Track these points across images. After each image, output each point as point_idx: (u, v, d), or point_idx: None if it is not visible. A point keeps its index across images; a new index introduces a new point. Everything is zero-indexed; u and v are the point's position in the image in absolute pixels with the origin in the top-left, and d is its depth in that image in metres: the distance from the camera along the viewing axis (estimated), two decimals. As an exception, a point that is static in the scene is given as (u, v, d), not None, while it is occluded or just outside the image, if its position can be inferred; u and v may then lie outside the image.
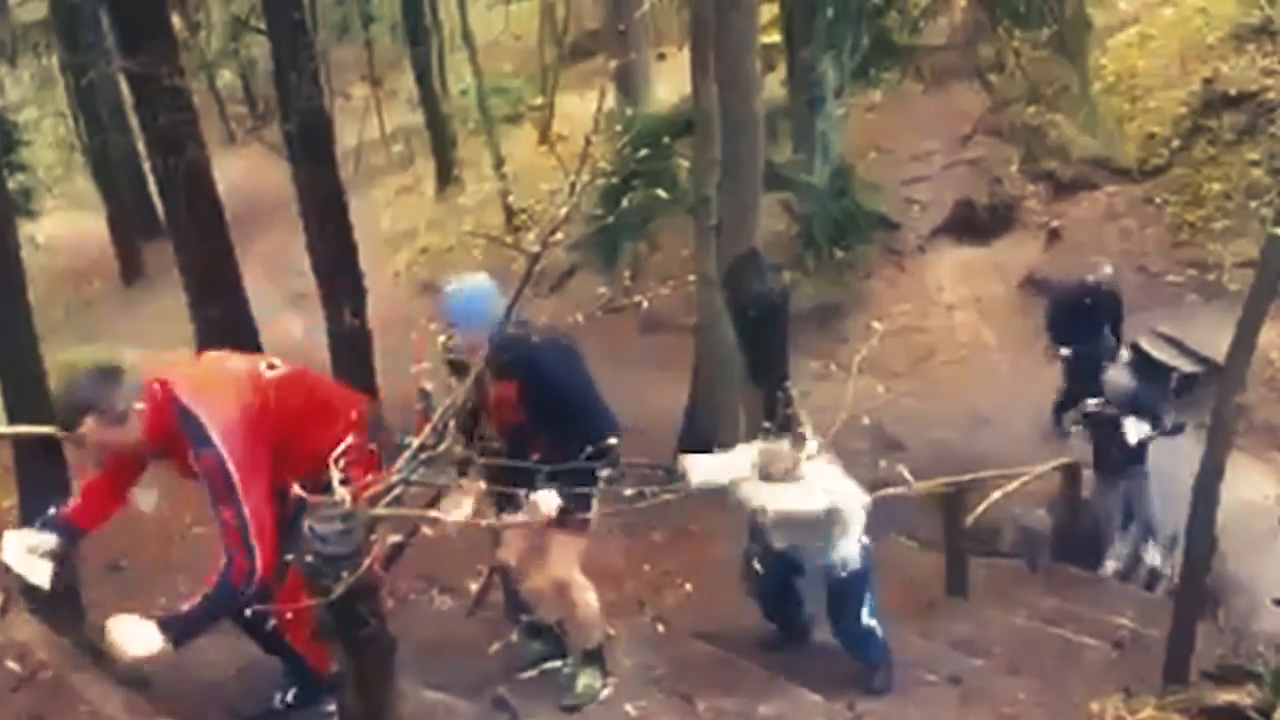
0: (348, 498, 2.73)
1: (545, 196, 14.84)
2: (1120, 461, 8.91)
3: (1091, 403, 9.14)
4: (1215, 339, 9.00)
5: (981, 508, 8.42)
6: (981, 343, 12.75)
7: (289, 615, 3.71)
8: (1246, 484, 8.49)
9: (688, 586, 7.45)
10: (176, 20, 15.50)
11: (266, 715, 4.33)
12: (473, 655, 5.08)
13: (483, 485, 4.10)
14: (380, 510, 2.77)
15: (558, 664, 4.94)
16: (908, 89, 14.45)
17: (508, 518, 4.36)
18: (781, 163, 12.14)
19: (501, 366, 4.25)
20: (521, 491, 4.24)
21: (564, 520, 4.34)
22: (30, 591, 3.95)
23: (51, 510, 3.85)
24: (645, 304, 13.12)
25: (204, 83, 19.94)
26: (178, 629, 3.47)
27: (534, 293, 12.78)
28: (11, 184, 14.30)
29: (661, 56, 18.57)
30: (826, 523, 5.25)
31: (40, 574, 3.67)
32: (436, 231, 17.52)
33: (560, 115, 18.06)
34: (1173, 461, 9.64)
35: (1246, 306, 5.67)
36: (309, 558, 2.76)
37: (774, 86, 13.28)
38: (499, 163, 17.57)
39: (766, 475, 5.12)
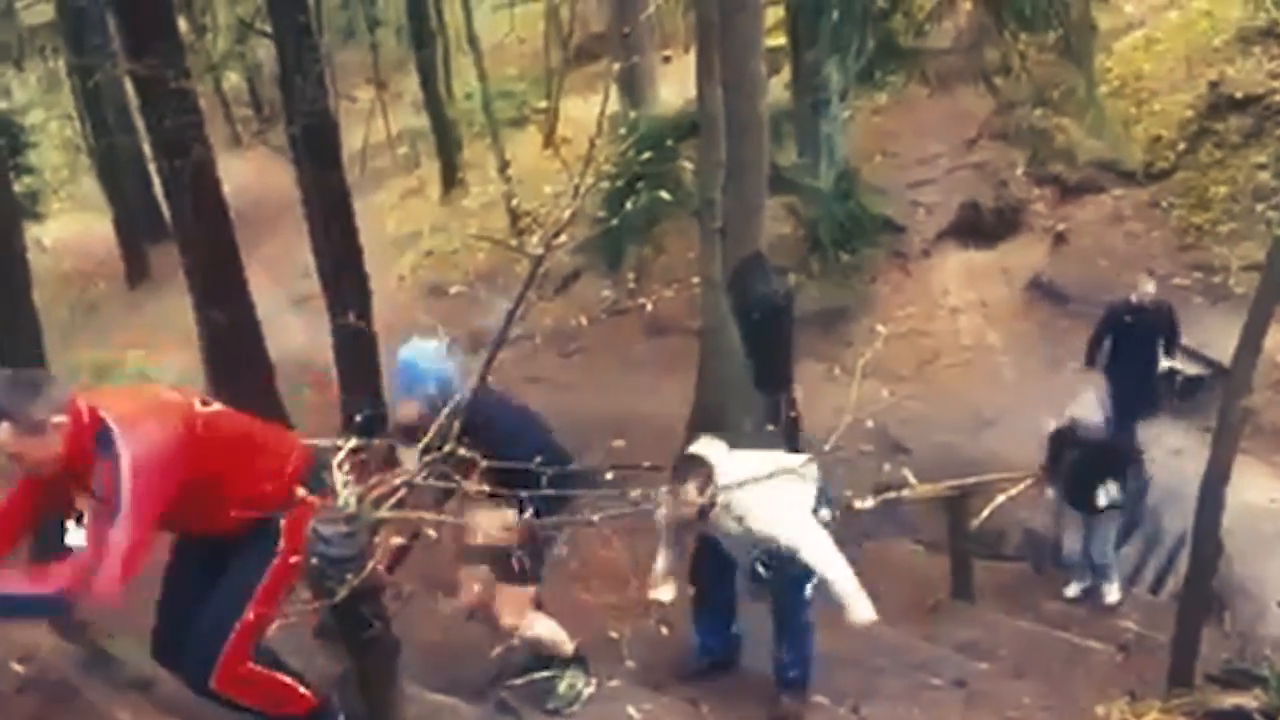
0: (351, 501, 2.73)
1: (550, 199, 14.85)
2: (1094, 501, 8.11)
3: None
4: (1221, 342, 8.99)
5: (986, 511, 8.42)
6: (986, 346, 12.73)
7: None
8: (1252, 487, 8.47)
9: (691, 590, 7.43)
10: (182, 23, 15.51)
11: None
12: (476, 658, 5.08)
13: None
14: (384, 513, 2.77)
15: (546, 673, 4.97)
16: (913, 92, 14.45)
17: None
18: (786, 166, 12.15)
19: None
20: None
21: (508, 573, 4.45)
22: None
23: None
24: (650, 307, 13.11)
25: (210, 85, 19.99)
26: None
27: (538, 296, 12.79)
28: (18, 186, 14.33)
29: (666, 59, 18.60)
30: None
31: None
32: (441, 234, 17.55)
33: (565, 118, 18.08)
34: (1179, 464, 9.68)
35: (1252, 309, 5.66)
36: (314, 560, 2.76)
37: (779, 89, 13.29)
38: (504, 166, 17.60)
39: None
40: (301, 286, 13.19)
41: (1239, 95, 13.16)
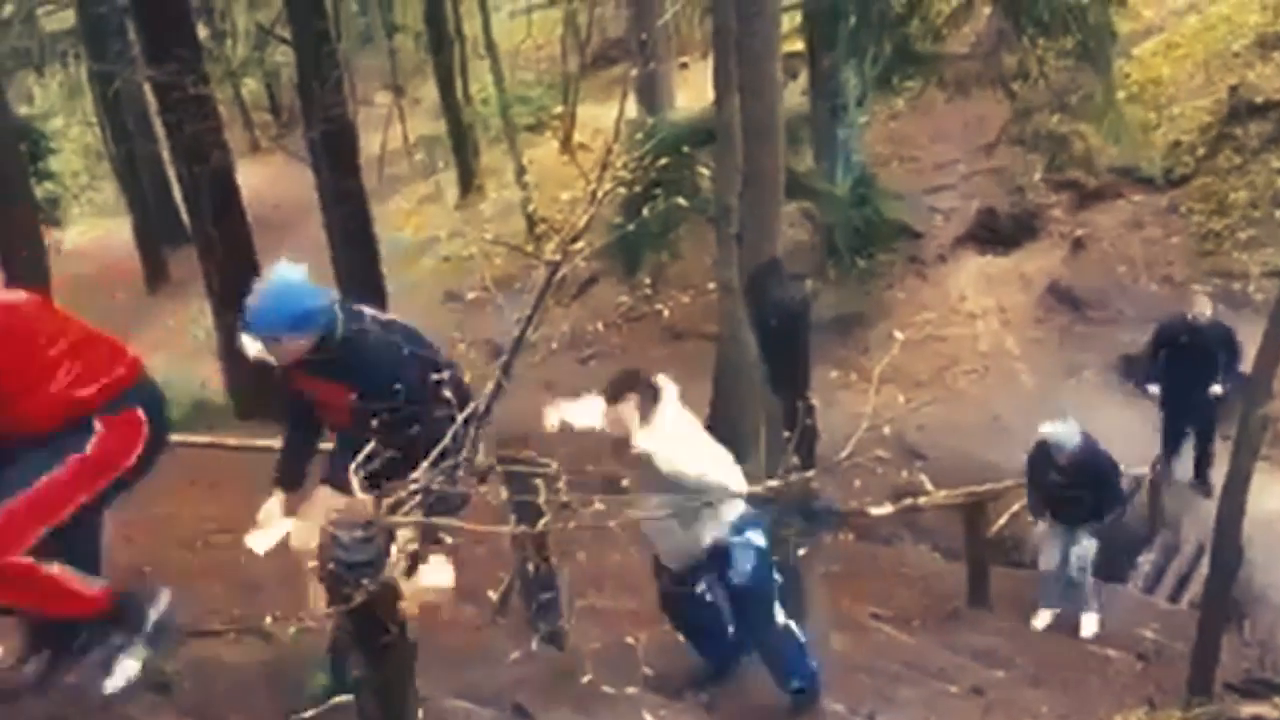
0: (369, 505, 2.74)
1: (567, 205, 14.88)
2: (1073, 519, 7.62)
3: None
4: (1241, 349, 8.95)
5: (1004, 518, 8.39)
6: (1004, 352, 12.69)
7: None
8: (1273, 495, 8.41)
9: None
10: (202, 29, 15.63)
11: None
12: (492, 663, 5.08)
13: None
14: (400, 518, 2.78)
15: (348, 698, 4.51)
16: (930, 97, 14.43)
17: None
18: (804, 171, 12.13)
19: (325, 365, 3.87)
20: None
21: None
22: None
23: None
24: (666, 312, 13.13)
25: (229, 91, 20.10)
26: None
27: (555, 301, 12.80)
28: (39, 192, 14.45)
29: (683, 66, 18.61)
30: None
31: None
32: (458, 239, 17.58)
33: (582, 124, 18.12)
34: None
35: (1273, 316, 5.63)
36: (330, 565, 2.77)
37: (796, 95, 13.28)
38: (520, 171, 17.65)
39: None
40: (319, 291, 13.22)
41: (1258, 100, 13.10)
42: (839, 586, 7.37)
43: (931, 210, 14.25)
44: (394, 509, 2.78)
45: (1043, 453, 7.47)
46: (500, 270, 13.33)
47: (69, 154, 22.27)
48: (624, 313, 14.61)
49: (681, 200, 10.59)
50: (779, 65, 8.10)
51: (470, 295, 13.33)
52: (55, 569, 3.45)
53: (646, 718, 4.79)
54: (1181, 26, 14.78)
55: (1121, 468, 7.98)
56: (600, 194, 2.92)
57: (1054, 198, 13.85)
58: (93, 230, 21.36)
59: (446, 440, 3.07)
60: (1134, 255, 12.88)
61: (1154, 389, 9.77)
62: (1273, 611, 8.38)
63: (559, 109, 19.31)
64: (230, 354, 10.42)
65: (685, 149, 10.65)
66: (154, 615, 3.82)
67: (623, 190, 3.80)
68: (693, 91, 16.49)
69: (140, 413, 3.55)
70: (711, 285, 10.26)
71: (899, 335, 10.69)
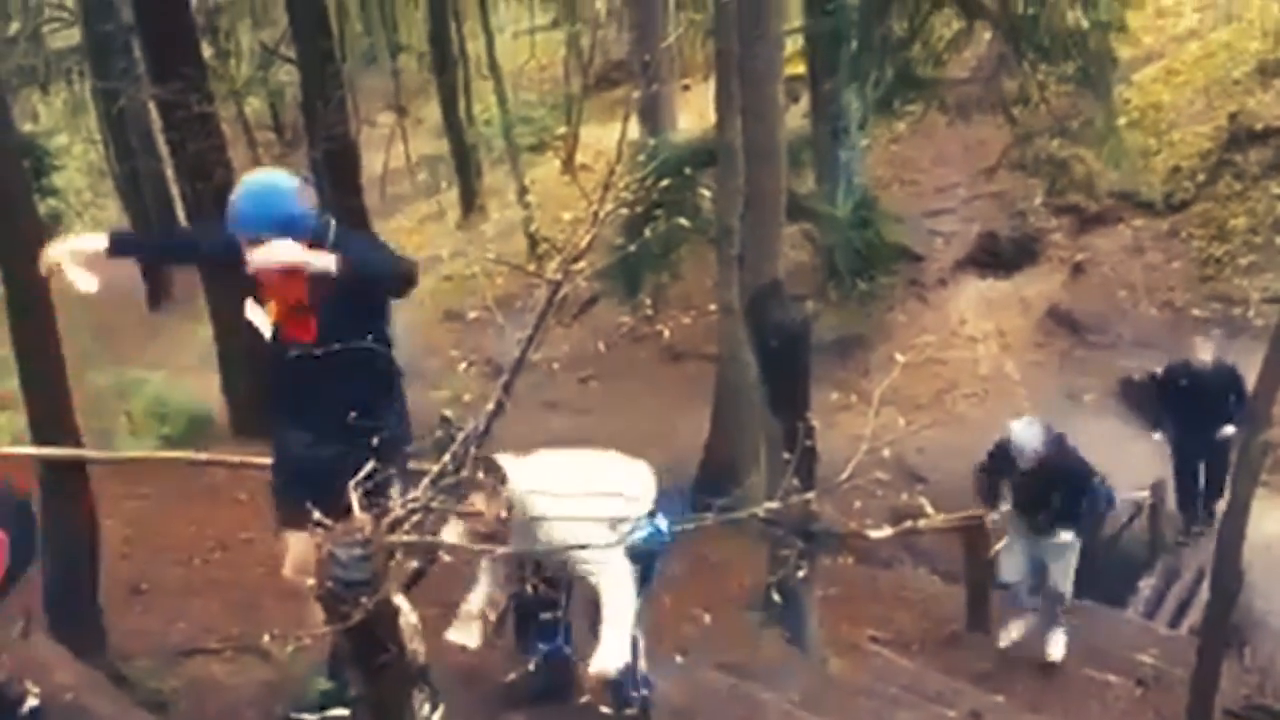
0: (367, 524, 2.73)
1: (568, 225, 14.89)
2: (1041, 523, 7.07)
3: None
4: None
5: (1003, 541, 8.35)
6: (1004, 376, 12.70)
7: None
8: (1273, 520, 8.39)
9: (707, 618, 7.41)
10: (206, 48, 15.70)
11: None
12: (488, 683, 5.06)
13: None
14: (399, 537, 2.77)
15: (343, 712, 4.31)
16: (931, 121, 14.48)
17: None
18: (805, 193, 12.16)
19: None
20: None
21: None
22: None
23: None
24: (667, 333, 13.14)
25: (232, 110, 20.16)
26: None
27: (556, 321, 12.80)
28: (42, 208, 14.49)
29: (686, 88, 18.69)
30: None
31: None
32: (460, 259, 17.60)
33: (584, 145, 18.17)
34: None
35: (1273, 342, 5.64)
36: (328, 583, 2.76)
37: (797, 118, 13.33)
38: (523, 191, 17.70)
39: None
40: (320, 310, 13.22)
41: (1259, 127, 13.14)
42: (838, 609, 7.36)
43: (932, 233, 14.28)
44: (393, 528, 2.78)
45: (1003, 453, 6.91)
46: (502, 290, 13.37)
47: (73, 171, 22.32)
48: (625, 333, 14.62)
49: (683, 221, 10.63)
50: (781, 88, 8.15)
51: (472, 314, 13.32)
52: None
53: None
54: (1182, 53, 14.84)
55: (1117, 496, 7.73)
56: (602, 214, 2.93)
57: (1054, 222, 13.89)
58: (95, 247, 21.37)
59: (446, 459, 3.07)
60: (1134, 280, 12.90)
61: (1158, 436, 9.71)
62: (1273, 638, 8.35)
63: (561, 130, 19.37)
64: (230, 371, 10.43)
65: (687, 170, 10.69)
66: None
67: (624, 211, 3.79)
68: (695, 113, 16.56)
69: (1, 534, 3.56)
70: (712, 306, 10.25)
71: (899, 358, 10.66)
